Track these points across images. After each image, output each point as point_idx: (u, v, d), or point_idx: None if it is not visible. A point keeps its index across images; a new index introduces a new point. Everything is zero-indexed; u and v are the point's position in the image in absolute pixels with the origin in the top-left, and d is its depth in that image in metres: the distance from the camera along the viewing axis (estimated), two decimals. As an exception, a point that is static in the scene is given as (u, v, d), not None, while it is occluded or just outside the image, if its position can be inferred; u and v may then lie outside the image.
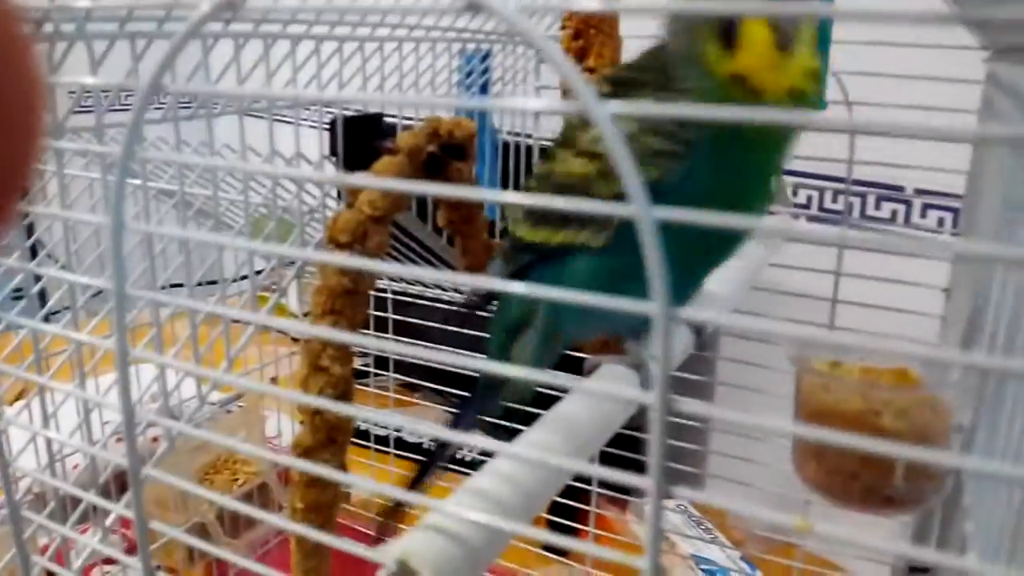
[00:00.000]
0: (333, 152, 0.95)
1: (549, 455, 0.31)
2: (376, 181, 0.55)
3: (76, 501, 0.58)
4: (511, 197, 0.24)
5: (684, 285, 0.44)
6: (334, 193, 0.97)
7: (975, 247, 0.17)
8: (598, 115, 0.22)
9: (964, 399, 0.46)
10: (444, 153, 0.64)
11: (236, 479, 1.20)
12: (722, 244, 0.42)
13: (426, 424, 0.27)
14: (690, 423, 0.89)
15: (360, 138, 0.73)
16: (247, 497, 1.11)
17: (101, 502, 0.38)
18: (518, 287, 0.24)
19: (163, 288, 0.61)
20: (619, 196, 0.39)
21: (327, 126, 0.88)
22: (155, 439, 1.05)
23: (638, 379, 0.40)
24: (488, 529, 0.30)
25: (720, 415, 0.21)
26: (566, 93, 0.73)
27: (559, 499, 1.02)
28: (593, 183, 0.41)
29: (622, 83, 0.42)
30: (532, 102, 0.23)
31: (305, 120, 0.78)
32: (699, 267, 0.43)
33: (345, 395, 0.60)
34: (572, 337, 0.49)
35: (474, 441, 0.29)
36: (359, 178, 0.54)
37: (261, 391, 0.96)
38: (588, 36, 0.72)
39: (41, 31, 0.43)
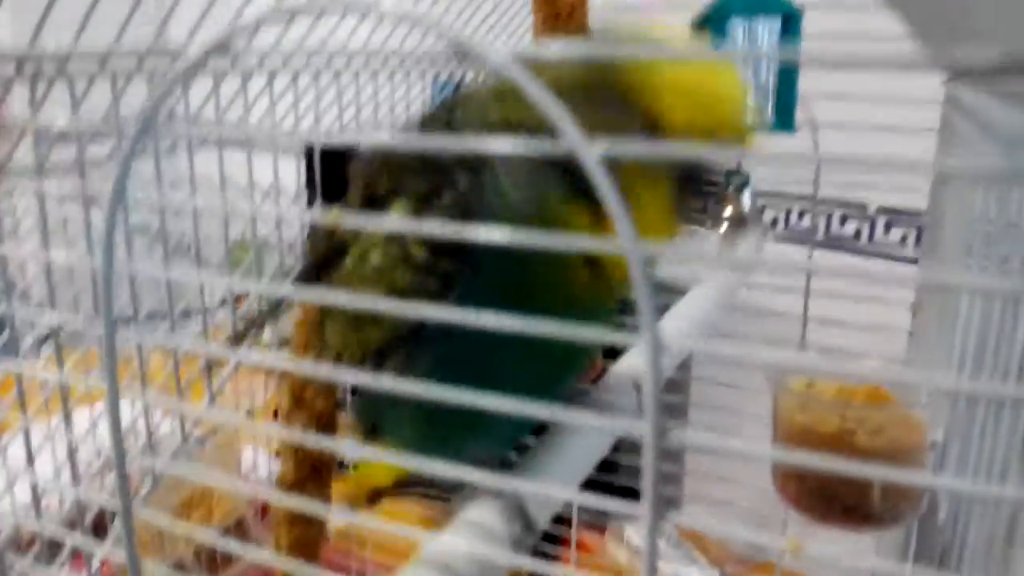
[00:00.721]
0: (310, 180, 0.95)
1: (539, 487, 0.31)
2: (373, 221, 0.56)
3: (54, 545, 0.58)
4: (496, 235, 0.24)
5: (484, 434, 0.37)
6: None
7: (934, 275, 0.18)
8: (586, 157, 0.23)
9: (936, 416, 0.48)
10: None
11: (211, 516, 1.19)
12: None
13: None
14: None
15: (338, 169, 0.73)
16: (223, 534, 1.10)
17: (89, 543, 0.37)
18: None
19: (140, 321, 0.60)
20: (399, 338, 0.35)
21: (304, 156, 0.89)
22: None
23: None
24: (481, 563, 0.31)
25: (714, 444, 0.22)
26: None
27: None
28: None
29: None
30: (515, 143, 0.24)
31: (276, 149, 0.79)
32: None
33: (329, 429, 0.60)
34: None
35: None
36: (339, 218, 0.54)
37: (251, 428, 0.95)
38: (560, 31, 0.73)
39: (23, 71, 0.43)
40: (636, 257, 0.23)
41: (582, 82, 0.32)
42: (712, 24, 0.76)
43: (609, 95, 0.32)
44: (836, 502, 0.46)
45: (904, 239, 1.29)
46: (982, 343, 0.39)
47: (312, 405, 0.61)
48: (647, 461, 0.24)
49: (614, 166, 0.28)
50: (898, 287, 0.87)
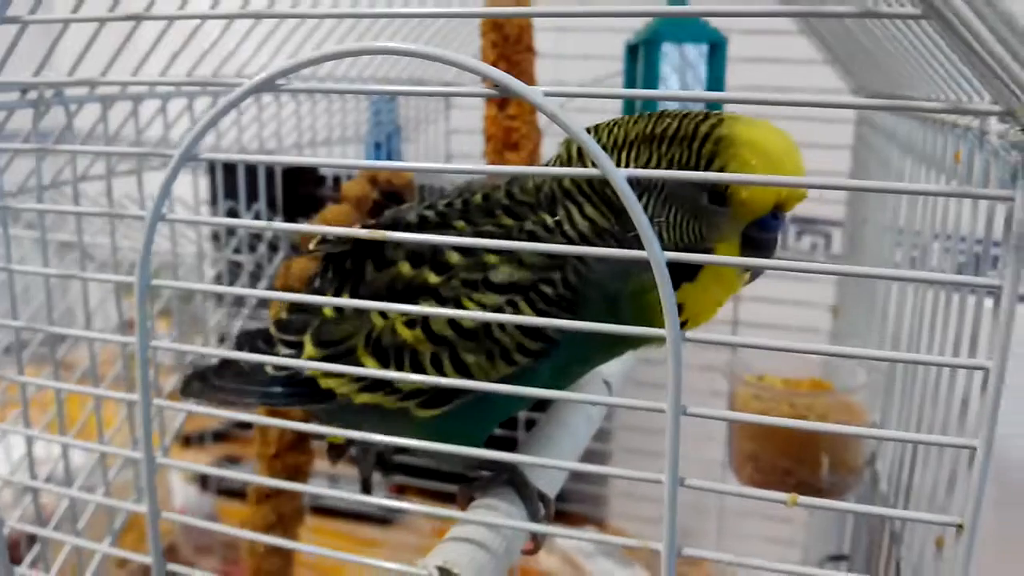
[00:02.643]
0: (215, 196, 0.96)
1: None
2: (329, 229, 0.58)
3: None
4: (492, 241, 0.28)
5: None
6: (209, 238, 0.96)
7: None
8: (615, 178, 0.27)
9: (872, 400, 0.54)
10: (386, 199, 0.68)
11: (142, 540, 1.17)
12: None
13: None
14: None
15: (298, 185, 0.75)
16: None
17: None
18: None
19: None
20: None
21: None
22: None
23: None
24: (504, 534, 0.34)
25: (731, 417, 0.26)
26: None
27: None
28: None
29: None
30: (549, 169, 0.28)
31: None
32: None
33: (304, 437, 0.62)
34: None
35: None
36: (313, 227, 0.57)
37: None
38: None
39: (25, 98, 0.44)
40: (659, 263, 0.27)
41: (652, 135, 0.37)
42: (645, 48, 0.82)
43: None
44: (789, 478, 0.51)
45: (814, 246, 1.38)
46: (915, 335, 0.45)
47: (289, 414, 0.62)
48: (669, 434, 0.28)
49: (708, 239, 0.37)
50: (819, 290, 0.95)
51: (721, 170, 0.35)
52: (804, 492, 0.52)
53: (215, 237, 0.92)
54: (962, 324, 0.41)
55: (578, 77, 0.96)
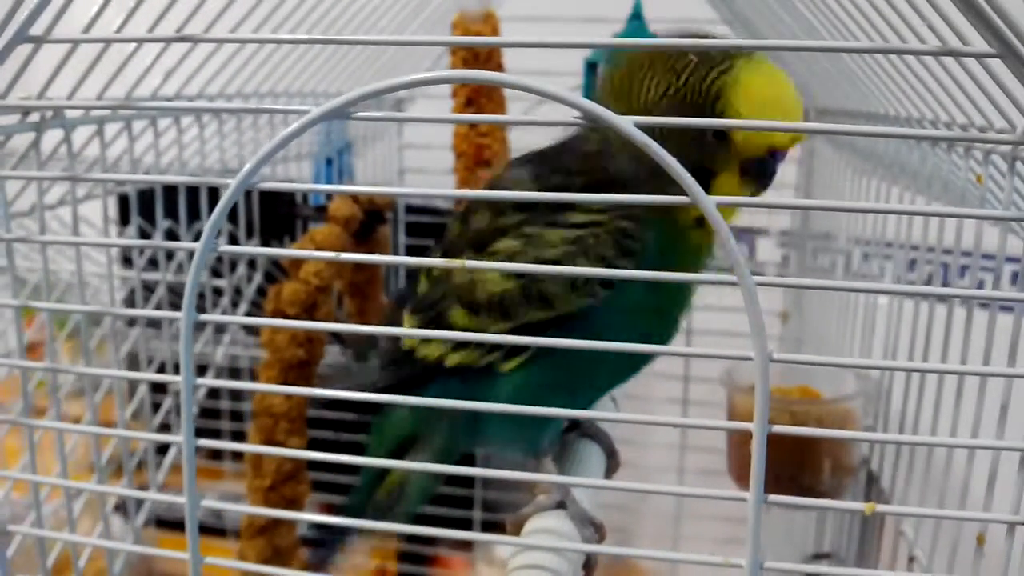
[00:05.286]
0: (124, 221, 0.92)
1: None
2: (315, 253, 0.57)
3: None
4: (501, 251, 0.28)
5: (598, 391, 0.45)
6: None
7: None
8: (705, 205, 0.27)
9: (866, 407, 0.57)
10: (368, 218, 0.67)
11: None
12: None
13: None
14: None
15: (277, 206, 0.74)
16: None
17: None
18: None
19: None
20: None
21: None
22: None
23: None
24: (569, 558, 0.35)
25: (815, 433, 0.27)
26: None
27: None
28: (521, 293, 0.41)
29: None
30: (639, 197, 0.29)
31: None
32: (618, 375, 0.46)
33: (300, 467, 0.61)
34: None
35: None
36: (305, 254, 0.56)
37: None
38: (480, 104, 0.77)
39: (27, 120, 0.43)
40: (750, 288, 0.28)
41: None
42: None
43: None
44: (792, 484, 0.53)
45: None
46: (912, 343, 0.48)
47: (286, 445, 0.61)
48: (756, 451, 0.29)
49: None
50: (768, 296, 0.98)
51: (722, 112, 0.39)
52: (808, 496, 0.55)
53: (126, 259, 0.87)
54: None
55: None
